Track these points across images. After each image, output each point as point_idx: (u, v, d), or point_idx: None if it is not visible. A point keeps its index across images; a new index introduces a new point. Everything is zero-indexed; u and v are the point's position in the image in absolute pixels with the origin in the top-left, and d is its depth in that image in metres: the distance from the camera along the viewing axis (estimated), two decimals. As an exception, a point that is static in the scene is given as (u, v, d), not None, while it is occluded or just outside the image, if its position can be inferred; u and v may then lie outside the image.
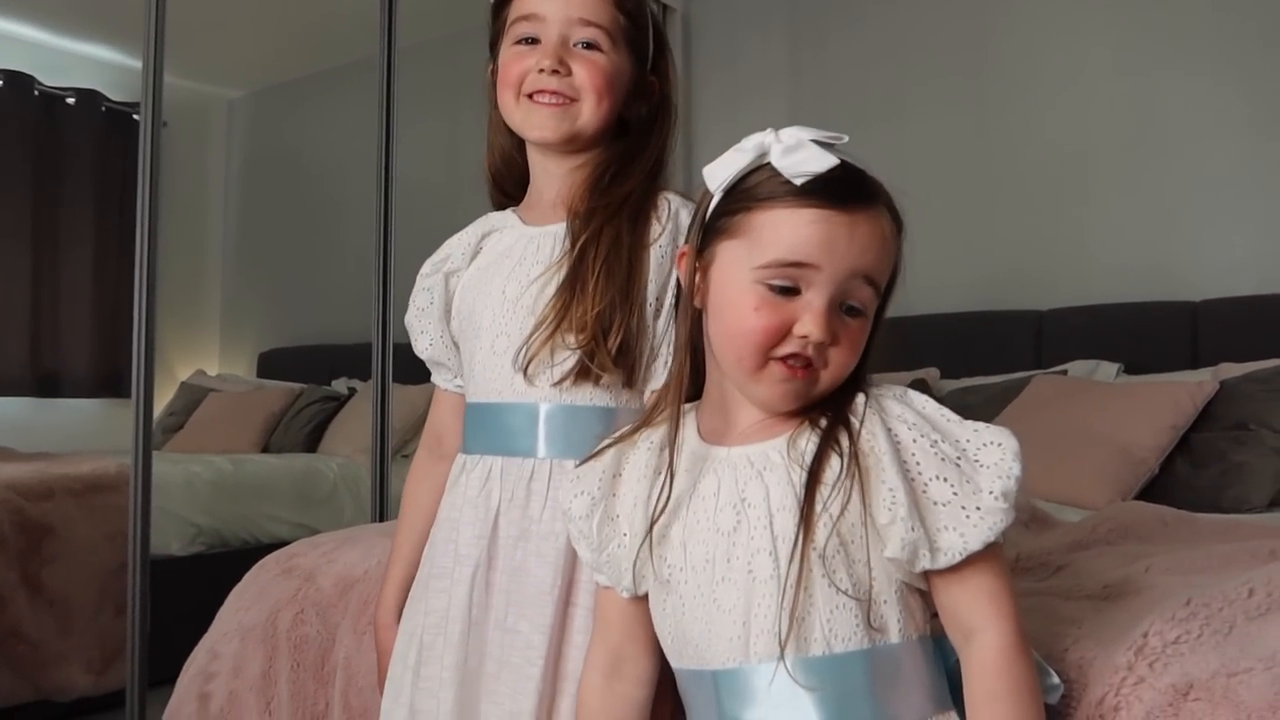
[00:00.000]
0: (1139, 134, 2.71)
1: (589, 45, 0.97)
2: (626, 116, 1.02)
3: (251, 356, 4.55)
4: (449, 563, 0.98)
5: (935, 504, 0.71)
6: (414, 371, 2.80)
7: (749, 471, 0.76)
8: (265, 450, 3.59)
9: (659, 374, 0.93)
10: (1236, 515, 1.68)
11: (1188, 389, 2.01)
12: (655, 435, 0.83)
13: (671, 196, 0.98)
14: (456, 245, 1.08)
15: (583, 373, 0.92)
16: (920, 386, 2.64)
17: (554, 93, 0.96)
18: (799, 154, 0.76)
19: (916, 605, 0.74)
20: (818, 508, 0.71)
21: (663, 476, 0.79)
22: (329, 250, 4.40)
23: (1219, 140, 2.60)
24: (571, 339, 0.92)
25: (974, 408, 2.22)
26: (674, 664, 0.81)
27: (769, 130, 0.79)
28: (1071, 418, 2.05)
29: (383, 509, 2.69)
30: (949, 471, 0.72)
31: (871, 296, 0.76)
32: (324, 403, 3.65)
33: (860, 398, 0.76)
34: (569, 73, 0.97)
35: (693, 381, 0.83)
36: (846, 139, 0.80)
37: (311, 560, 1.34)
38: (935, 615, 0.75)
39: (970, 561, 0.71)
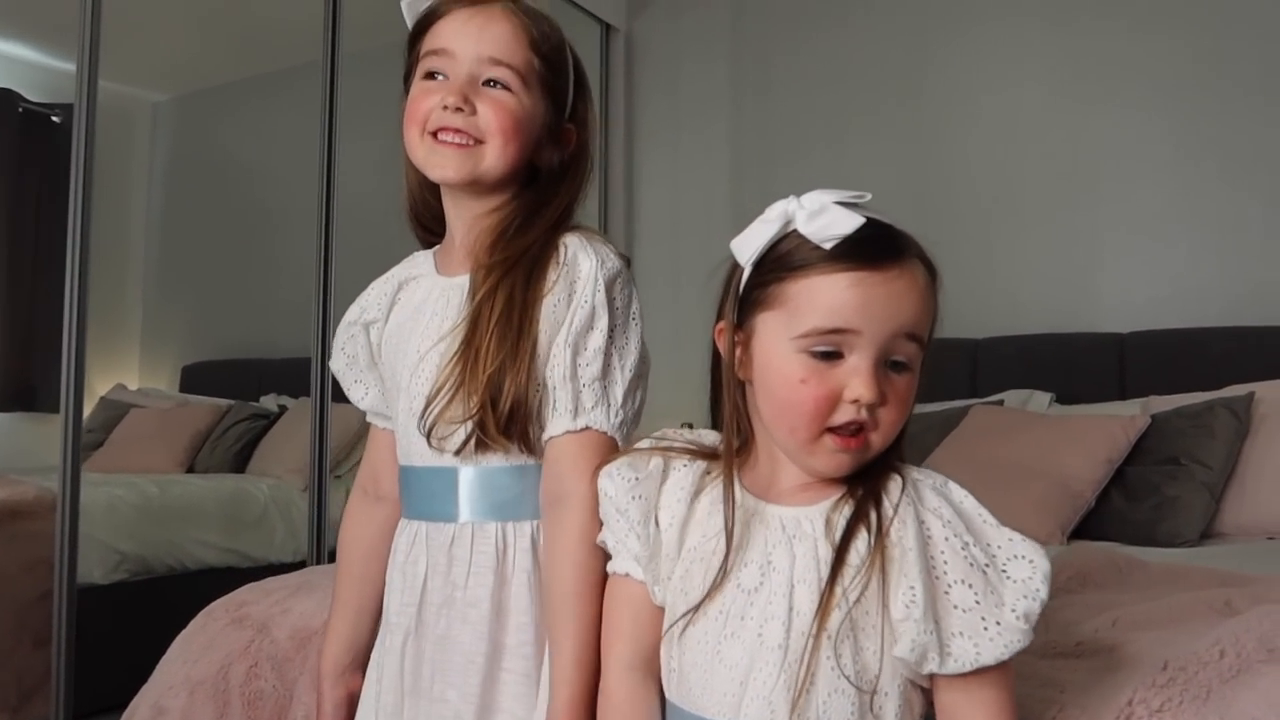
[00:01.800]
0: (1071, 169, 2.80)
1: (498, 84, 0.93)
2: (538, 163, 0.98)
3: (174, 370, 4.38)
4: (383, 631, 0.97)
5: (955, 608, 0.70)
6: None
7: (780, 535, 0.76)
8: (190, 470, 3.46)
9: (550, 421, 0.90)
10: (1179, 552, 1.74)
11: (1121, 423, 2.08)
12: (700, 459, 0.83)
13: (569, 239, 0.94)
14: (374, 296, 1.05)
15: (480, 443, 0.90)
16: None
17: (457, 131, 0.92)
18: (824, 218, 0.76)
19: (916, 700, 0.73)
20: (837, 592, 0.71)
21: (720, 547, 0.78)
22: (259, 261, 4.27)
23: (1146, 178, 2.70)
24: (468, 406, 0.88)
25: (914, 436, 2.25)
26: (667, 695, 0.80)
27: (791, 197, 0.78)
28: (1010, 450, 2.10)
29: (319, 533, 2.62)
30: (975, 578, 0.71)
31: (915, 351, 0.76)
32: (253, 420, 3.54)
33: (897, 481, 0.76)
34: (474, 112, 0.92)
35: (740, 438, 0.82)
36: (869, 196, 0.80)
37: (264, 609, 1.29)
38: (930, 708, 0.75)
39: (979, 673, 0.70)
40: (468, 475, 0.92)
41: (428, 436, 0.91)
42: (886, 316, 0.74)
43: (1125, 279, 2.72)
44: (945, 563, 0.71)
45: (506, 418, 0.88)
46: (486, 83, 0.93)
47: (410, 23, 1.00)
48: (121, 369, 4.31)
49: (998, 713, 0.71)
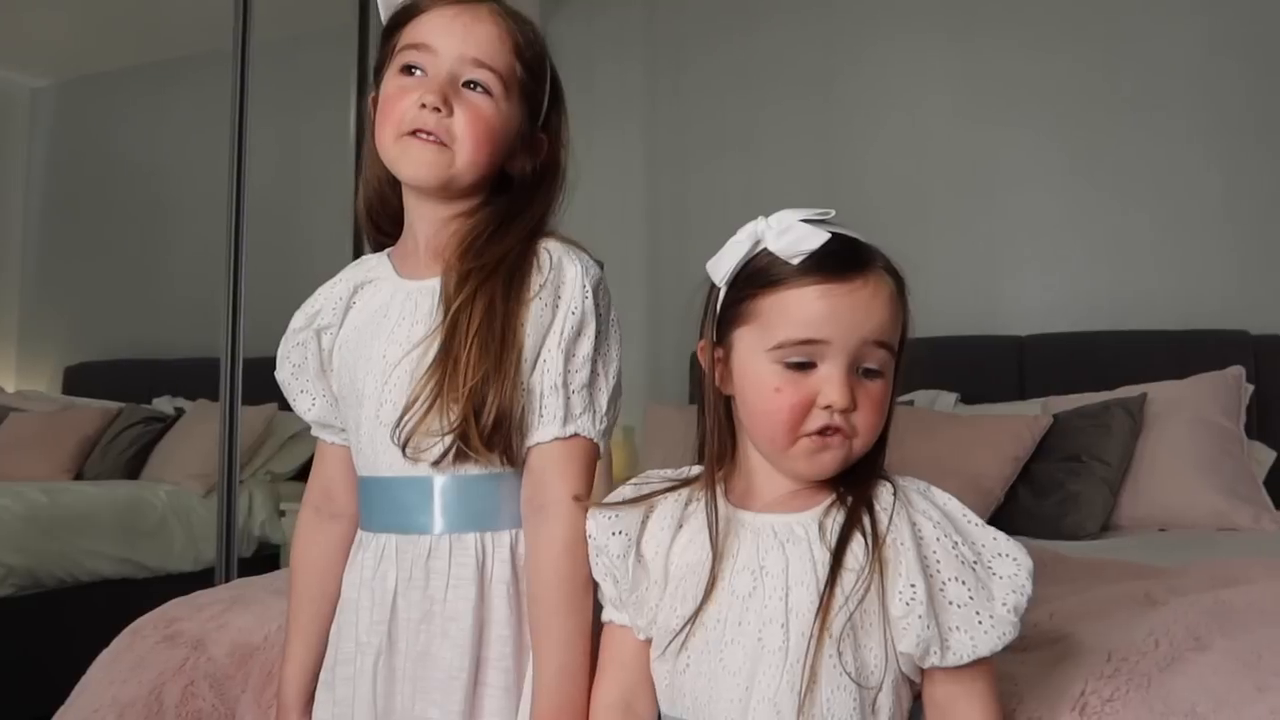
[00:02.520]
0: (972, 180, 2.92)
1: (478, 87, 0.91)
2: (510, 171, 0.96)
3: (55, 371, 4.15)
4: (352, 648, 0.93)
5: (951, 604, 0.74)
6: (254, 391, 2.65)
7: (771, 540, 0.78)
8: (79, 477, 3.28)
9: (536, 428, 0.89)
10: (1083, 545, 1.85)
11: (1026, 422, 2.18)
12: (683, 489, 0.85)
13: (552, 246, 0.93)
14: (327, 299, 1.01)
15: (459, 454, 0.88)
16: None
17: (430, 131, 0.89)
18: (791, 234, 0.79)
19: (905, 694, 0.77)
20: (838, 595, 0.73)
21: (705, 557, 0.79)
22: (150, 257, 4.08)
23: (1042, 190, 2.84)
24: (449, 416, 0.87)
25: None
26: (665, 711, 0.82)
27: (759, 218, 0.81)
28: (925, 449, 2.17)
29: (229, 540, 2.52)
30: (966, 575, 0.74)
31: (886, 358, 0.79)
32: (147, 424, 3.38)
33: (887, 487, 0.79)
34: (450, 114, 0.90)
35: (720, 452, 0.84)
36: (834, 213, 0.83)
37: (197, 626, 1.24)
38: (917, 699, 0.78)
39: (972, 665, 0.74)
40: (444, 485, 0.90)
41: (403, 447, 0.88)
42: (854, 325, 0.77)
43: (1024, 285, 2.85)
44: (938, 561, 0.75)
45: (491, 429, 0.86)
46: (467, 84, 0.91)
47: (385, 14, 0.97)
48: (-4, 370, 4.06)
49: (989, 700, 0.76)
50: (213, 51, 3.67)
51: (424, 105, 0.89)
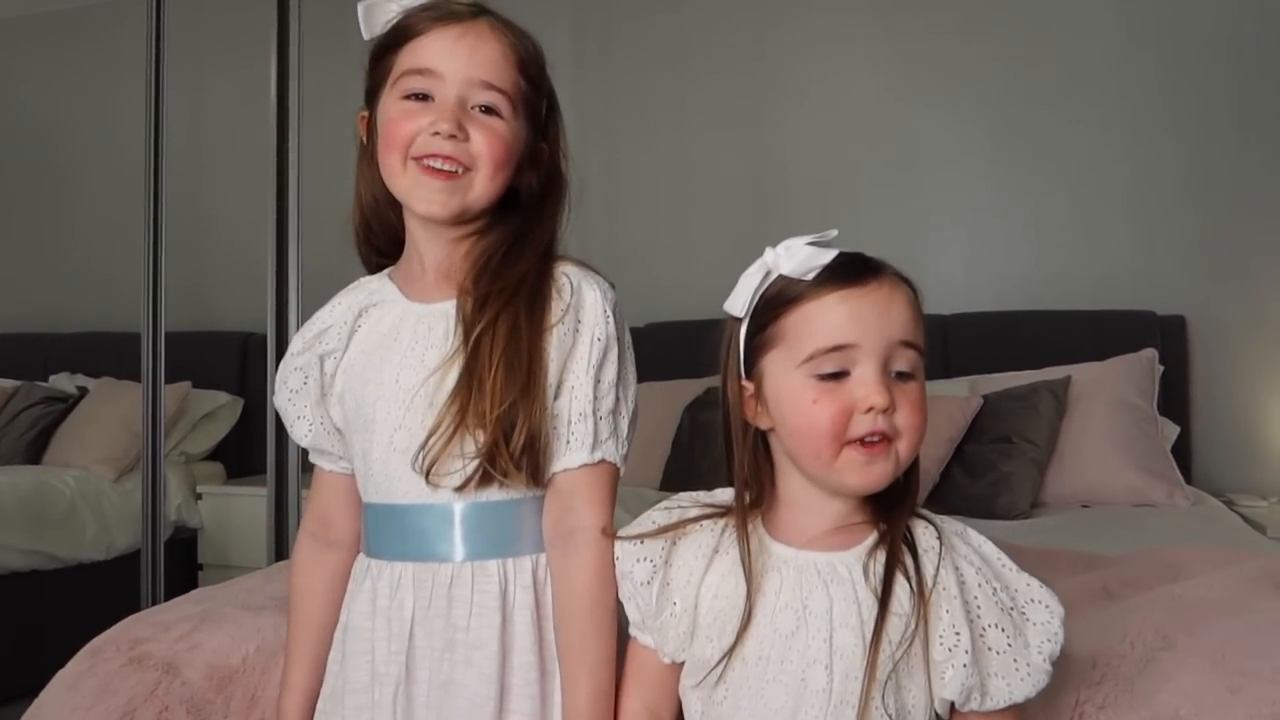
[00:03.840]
0: (898, 157, 2.98)
1: (488, 110, 0.90)
2: (517, 186, 0.94)
3: (-65, 346, 3.88)
4: (365, 678, 0.92)
5: (990, 650, 0.75)
6: (168, 368, 2.52)
7: (815, 580, 0.78)
8: (-28, 462, 3.10)
9: (563, 454, 0.89)
10: (1015, 524, 1.95)
11: (959, 404, 2.27)
12: (720, 518, 0.85)
13: (570, 271, 0.92)
14: (330, 321, 0.98)
15: (485, 477, 0.87)
16: (714, 395, 2.77)
17: (447, 157, 0.88)
18: (800, 255, 0.80)
19: None
20: (885, 644, 0.75)
21: (743, 591, 0.80)
22: (43, 222, 3.83)
23: (966, 170, 2.92)
24: (473, 441, 0.86)
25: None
26: None
27: (767, 249, 0.83)
28: (862, 430, 2.24)
29: (155, 526, 2.41)
30: (1005, 621, 0.76)
31: (915, 359, 0.79)
32: (47, 404, 3.20)
33: (929, 529, 0.80)
34: (466, 138, 0.88)
35: (756, 488, 0.84)
36: (836, 233, 0.84)
37: (167, 647, 1.19)
38: None
39: (1004, 710, 0.76)
40: (464, 512, 0.89)
41: (426, 473, 0.87)
42: (880, 326, 0.78)
43: (948, 264, 2.93)
44: (979, 607, 0.76)
45: (520, 451, 0.85)
46: (475, 107, 0.89)
47: (369, 32, 0.93)
48: None
49: None
50: (118, 2, 3.44)
51: (438, 133, 0.87)
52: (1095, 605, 1.18)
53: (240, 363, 3.38)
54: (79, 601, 2.62)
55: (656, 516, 0.86)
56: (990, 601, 0.76)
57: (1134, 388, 2.31)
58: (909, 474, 0.82)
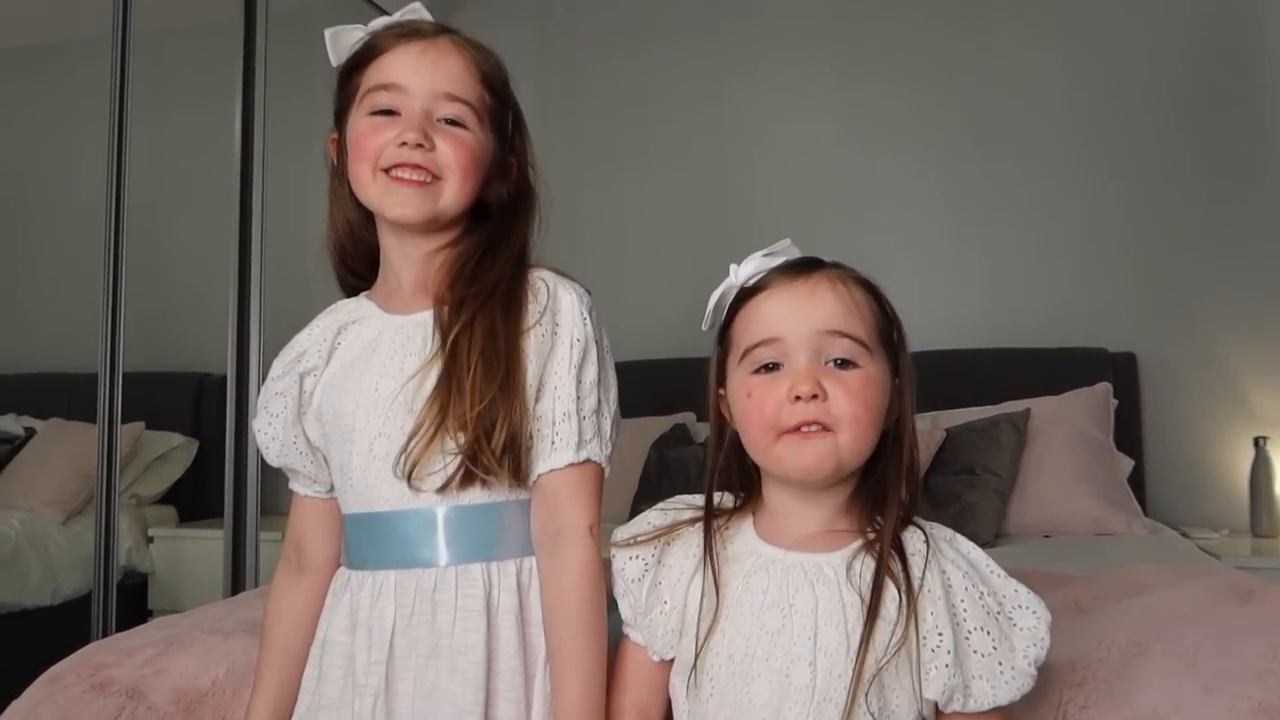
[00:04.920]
0: (855, 200, 3.05)
1: (453, 122, 0.92)
2: (486, 199, 0.97)
3: (-126, 387, 3.76)
4: (339, 693, 0.90)
5: (975, 653, 0.76)
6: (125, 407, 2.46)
7: (802, 579, 0.79)
8: (-87, 504, 2.98)
9: (548, 455, 0.90)
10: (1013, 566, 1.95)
11: (923, 437, 2.30)
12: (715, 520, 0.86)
13: (546, 275, 0.94)
14: (310, 342, 0.99)
15: (468, 476, 0.87)
16: (681, 431, 2.78)
17: (416, 166, 0.90)
18: (752, 264, 0.86)
19: None
20: (873, 647, 0.75)
21: (702, 585, 0.81)
22: (-9, 263, 3.75)
23: (921, 215, 3.00)
24: (452, 442, 0.87)
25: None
26: None
27: (730, 265, 0.88)
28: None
29: (108, 570, 2.34)
30: (991, 625, 0.77)
31: (853, 347, 0.80)
32: (-8, 445, 3.10)
33: (918, 534, 0.81)
34: (433, 148, 0.91)
35: (746, 491, 0.87)
36: (788, 242, 0.90)
37: (131, 672, 1.15)
38: None
39: (989, 712, 0.77)
40: (447, 515, 0.88)
41: (408, 476, 0.87)
42: (804, 317, 0.81)
43: (903, 303, 2.96)
44: (965, 610, 0.77)
45: (502, 450, 0.86)
46: (440, 119, 0.92)
47: (337, 59, 0.96)
48: None
49: None
50: (80, 40, 3.42)
51: (405, 143, 0.89)
52: (1068, 616, 1.20)
53: (195, 404, 3.31)
54: (24, 648, 2.51)
55: (652, 518, 0.88)
56: (976, 605, 0.77)
57: (1091, 420, 2.37)
58: (900, 481, 0.83)
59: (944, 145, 2.99)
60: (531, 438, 0.88)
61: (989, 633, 0.77)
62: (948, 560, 0.80)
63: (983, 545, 2.05)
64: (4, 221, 3.75)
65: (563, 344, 0.90)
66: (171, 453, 3.21)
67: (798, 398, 0.78)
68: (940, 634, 0.76)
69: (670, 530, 0.85)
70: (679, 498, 0.90)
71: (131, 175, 2.47)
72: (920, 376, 2.86)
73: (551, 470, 0.89)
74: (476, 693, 0.85)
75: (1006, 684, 0.76)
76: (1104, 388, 2.47)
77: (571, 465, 0.89)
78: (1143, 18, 2.86)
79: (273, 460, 0.99)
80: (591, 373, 0.91)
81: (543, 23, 3.39)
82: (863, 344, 0.81)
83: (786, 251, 0.88)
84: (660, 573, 0.85)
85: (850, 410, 0.79)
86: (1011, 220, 2.93)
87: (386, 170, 0.91)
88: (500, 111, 0.97)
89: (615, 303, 3.42)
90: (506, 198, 0.98)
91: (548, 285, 0.93)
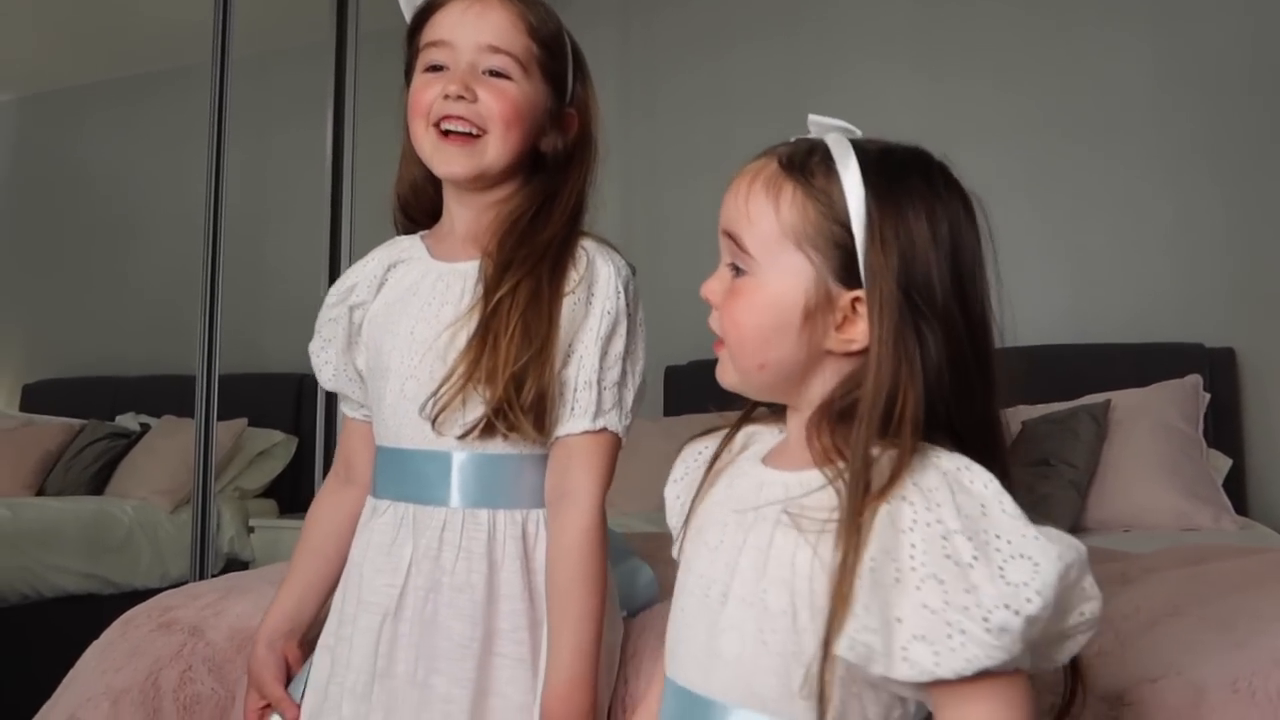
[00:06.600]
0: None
1: (498, 74, 0.95)
2: (543, 150, 0.98)
3: (13, 388, 4.08)
4: (353, 610, 0.95)
5: (923, 607, 0.59)
6: (225, 407, 2.63)
7: (753, 497, 0.72)
8: (41, 493, 3.23)
9: (567, 419, 0.92)
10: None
11: (996, 429, 2.24)
12: (759, 433, 0.79)
13: (588, 244, 0.96)
14: (362, 275, 1.04)
15: (489, 428, 0.90)
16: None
17: (460, 119, 0.93)
18: None
19: (871, 701, 0.65)
20: (788, 568, 0.66)
21: (718, 498, 0.76)
22: (112, 274, 4.04)
23: (1005, 209, 2.90)
24: (481, 392, 0.90)
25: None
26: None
27: None
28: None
29: (204, 555, 2.49)
30: (950, 574, 0.59)
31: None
32: (111, 440, 3.33)
33: (889, 456, 0.64)
34: (475, 99, 0.93)
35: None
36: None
37: (193, 613, 1.24)
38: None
39: (974, 686, 0.60)
40: (463, 461, 0.93)
41: (434, 420, 0.91)
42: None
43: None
44: (919, 552, 0.60)
45: (529, 408, 0.89)
46: (485, 71, 0.95)
47: (408, 16, 1.01)
48: (-47, 387, 3.98)
49: None
50: (182, 67, 3.68)
51: (448, 95, 0.93)
52: (1112, 586, 1.16)
53: (295, 403, 3.49)
54: (131, 625, 2.69)
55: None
56: (935, 547, 0.60)
57: (1177, 412, 2.27)
58: (870, 412, 0.67)
59: (1028, 139, 2.91)
60: (554, 398, 0.91)
61: (944, 583, 0.59)
62: (920, 489, 0.63)
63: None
64: (123, 235, 4.03)
65: (594, 314, 0.93)
66: (273, 449, 3.38)
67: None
68: (874, 571, 0.61)
69: (738, 423, 0.80)
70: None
71: (230, 190, 2.63)
72: (1006, 374, 2.79)
73: (568, 434, 0.92)
74: (473, 629, 0.89)
75: (952, 651, 0.58)
76: (1193, 380, 2.36)
77: (587, 433, 0.92)
78: (1235, 0, 2.74)
79: (326, 383, 1.05)
80: (619, 345, 0.93)
81: (623, 34, 3.46)
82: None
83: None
84: (693, 470, 0.80)
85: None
86: (1099, 214, 2.84)
87: (437, 124, 0.94)
88: (552, 63, 0.98)
89: (697, 303, 3.46)
90: (563, 150, 0.99)
91: (588, 254, 0.95)
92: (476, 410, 0.91)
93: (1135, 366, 2.52)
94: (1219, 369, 2.55)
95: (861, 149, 0.74)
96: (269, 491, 3.40)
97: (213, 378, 2.57)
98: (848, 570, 0.62)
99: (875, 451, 0.65)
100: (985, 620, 0.58)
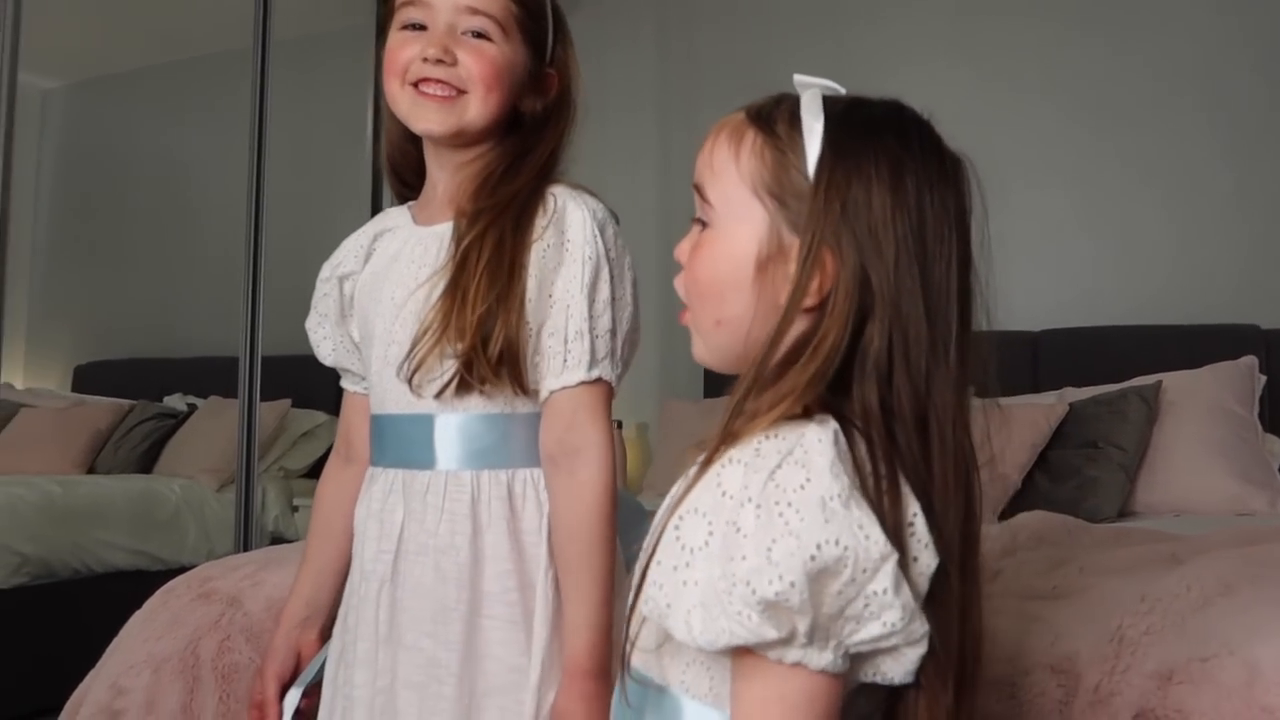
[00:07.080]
0: (988, 176, 2.92)
1: (478, 34, 0.93)
2: (522, 110, 0.97)
3: (65, 369, 4.16)
4: (358, 579, 0.96)
5: (708, 572, 0.57)
6: (270, 387, 2.66)
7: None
8: (91, 471, 3.29)
9: (560, 372, 0.89)
10: (1118, 525, 1.85)
11: (1043, 410, 2.20)
12: None
13: (557, 190, 0.94)
14: (350, 247, 1.04)
15: (464, 384, 0.89)
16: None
17: (439, 82, 0.91)
18: None
19: (720, 672, 0.61)
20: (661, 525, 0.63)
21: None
22: (160, 257, 4.10)
23: (1053, 187, 2.86)
24: (451, 350, 0.88)
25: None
26: None
27: None
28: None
29: (247, 533, 2.53)
30: (731, 540, 0.57)
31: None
32: (159, 420, 3.39)
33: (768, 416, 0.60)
34: (454, 62, 0.92)
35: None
36: None
37: (232, 584, 1.26)
38: None
39: (748, 664, 0.57)
40: (445, 423, 0.92)
41: (410, 380, 0.90)
42: None
43: (1036, 281, 2.86)
44: (720, 519, 0.58)
45: (498, 358, 0.87)
46: (465, 32, 0.93)
47: None
48: (6, 368, 4.07)
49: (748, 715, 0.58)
50: (225, 52, 3.71)
51: (426, 59, 0.92)
52: (1158, 566, 1.13)
53: (338, 386, 3.51)
54: (178, 600, 2.74)
55: None
56: (731, 514, 0.57)
57: (1231, 394, 2.20)
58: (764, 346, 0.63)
59: (1078, 112, 2.84)
60: (531, 349, 0.89)
61: (725, 550, 0.57)
62: (732, 463, 0.59)
63: (1104, 520, 1.97)
64: (171, 218, 4.09)
65: (574, 262, 0.90)
66: (316, 429, 3.41)
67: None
68: (679, 540, 0.59)
69: None
70: None
71: (271, 175, 2.64)
72: (1050, 355, 2.73)
73: (564, 388, 0.90)
74: (459, 592, 0.88)
75: (713, 620, 0.56)
76: (1248, 361, 2.29)
77: (584, 384, 0.90)
78: (1299, -32, 2.65)
79: (326, 358, 1.06)
80: (605, 291, 0.91)
81: (663, 44, 3.42)
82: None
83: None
84: None
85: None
86: (1153, 190, 2.76)
87: (415, 86, 0.93)
88: (531, 24, 0.96)
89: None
90: (540, 111, 0.98)
91: (557, 200, 0.93)
92: (452, 369, 0.90)
93: (1188, 349, 2.45)
94: (1276, 351, 2.47)
95: (832, 101, 0.69)
96: (313, 471, 3.43)
97: (256, 359, 2.60)
98: (668, 523, 0.60)
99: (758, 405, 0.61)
100: (730, 593, 0.55)
